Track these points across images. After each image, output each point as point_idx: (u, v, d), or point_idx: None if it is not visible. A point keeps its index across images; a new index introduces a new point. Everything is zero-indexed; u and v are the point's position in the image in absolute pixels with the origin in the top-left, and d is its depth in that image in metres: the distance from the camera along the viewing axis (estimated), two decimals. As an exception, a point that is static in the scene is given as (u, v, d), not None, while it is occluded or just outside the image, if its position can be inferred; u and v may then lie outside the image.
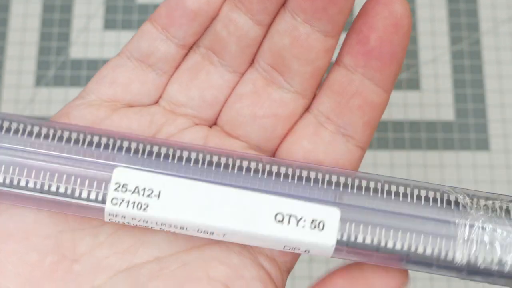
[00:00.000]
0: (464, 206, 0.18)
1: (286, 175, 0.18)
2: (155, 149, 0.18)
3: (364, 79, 0.20)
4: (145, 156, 0.18)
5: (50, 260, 0.19)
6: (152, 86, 0.21)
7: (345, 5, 0.19)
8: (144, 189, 0.18)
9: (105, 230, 0.19)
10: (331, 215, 0.18)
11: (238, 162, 0.19)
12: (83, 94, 0.22)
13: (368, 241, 0.18)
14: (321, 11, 0.19)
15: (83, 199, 0.18)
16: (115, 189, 0.18)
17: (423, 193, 0.18)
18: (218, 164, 0.18)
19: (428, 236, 0.18)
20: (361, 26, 0.19)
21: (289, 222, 0.18)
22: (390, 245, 0.18)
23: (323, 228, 0.18)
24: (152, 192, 0.18)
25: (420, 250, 0.18)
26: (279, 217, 0.18)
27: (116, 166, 0.18)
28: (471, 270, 0.18)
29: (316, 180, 0.18)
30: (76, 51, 0.59)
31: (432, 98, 0.57)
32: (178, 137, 0.21)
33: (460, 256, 0.18)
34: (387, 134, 0.56)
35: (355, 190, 0.18)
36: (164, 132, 0.21)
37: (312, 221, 0.18)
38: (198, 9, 0.20)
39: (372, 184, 0.19)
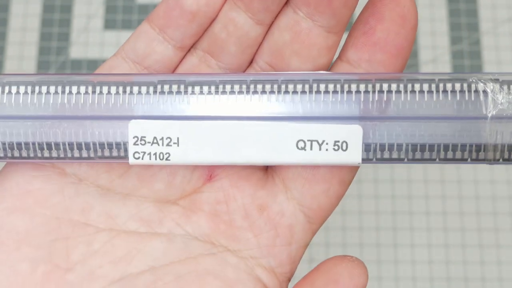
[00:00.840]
0: (492, 96, 0.17)
1: (303, 92, 0.18)
2: (166, 88, 0.18)
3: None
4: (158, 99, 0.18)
5: (42, 270, 0.18)
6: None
7: None
8: (162, 139, 0.18)
9: (100, 238, 0.19)
10: (353, 133, 0.17)
11: (252, 87, 0.18)
12: None
13: (395, 155, 0.18)
14: (326, 3, 0.18)
15: (106, 157, 0.19)
16: (134, 143, 0.18)
17: (449, 87, 0.17)
18: (232, 92, 0.18)
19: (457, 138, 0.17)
20: (368, 17, 0.19)
21: (311, 148, 0.18)
22: (418, 155, 0.17)
23: (346, 148, 0.17)
24: (171, 140, 0.18)
25: (450, 155, 0.18)
26: (301, 144, 0.18)
27: (131, 119, 0.18)
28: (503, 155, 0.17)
29: (335, 92, 0.18)
30: (76, 51, 0.59)
31: (432, 98, 0.57)
32: None
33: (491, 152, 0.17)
34: (387, 134, 0.56)
35: (376, 98, 0.18)
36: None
37: (335, 143, 0.17)
38: (197, 11, 0.19)
39: (394, 87, 0.18)
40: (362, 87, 0.18)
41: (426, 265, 0.53)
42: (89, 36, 0.59)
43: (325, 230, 0.55)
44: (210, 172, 0.20)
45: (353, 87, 0.18)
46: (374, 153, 0.18)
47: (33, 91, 0.18)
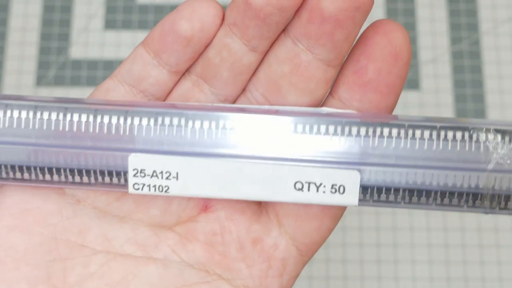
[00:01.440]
0: (494, 147, 0.17)
1: (303, 132, 0.18)
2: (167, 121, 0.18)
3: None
4: (158, 131, 0.18)
5: None
6: None
7: (352, 31, 0.18)
8: (162, 172, 0.18)
9: (97, 260, 0.19)
10: (351, 178, 0.17)
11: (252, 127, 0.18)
12: None
13: (391, 199, 0.18)
14: (327, 35, 0.18)
15: (106, 185, 0.19)
16: (134, 175, 0.18)
17: (450, 135, 0.17)
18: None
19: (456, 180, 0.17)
20: (359, 56, 0.18)
21: (309, 189, 0.18)
22: (414, 200, 0.18)
23: (343, 191, 0.17)
24: (170, 174, 0.18)
25: (446, 201, 0.18)
26: (299, 185, 0.18)
27: (131, 151, 0.18)
28: (500, 201, 0.17)
29: (336, 134, 0.17)
30: (76, 51, 0.59)
31: (432, 98, 0.57)
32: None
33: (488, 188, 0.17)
34: (387, 134, 0.56)
35: (376, 143, 0.17)
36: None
37: (332, 186, 0.17)
38: (192, 36, 0.19)
39: (394, 133, 0.17)
40: (363, 130, 0.18)
41: (426, 265, 0.53)
42: (89, 36, 0.59)
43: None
44: (206, 202, 0.20)
45: (354, 130, 0.18)
46: (371, 195, 0.18)
47: (34, 116, 0.18)
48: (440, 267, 0.53)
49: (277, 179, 0.18)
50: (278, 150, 0.18)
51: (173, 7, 0.60)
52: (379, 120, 0.18)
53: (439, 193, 0.17)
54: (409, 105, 0.57)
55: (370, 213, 0.54)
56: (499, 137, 0.17)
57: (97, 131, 0.18)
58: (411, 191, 0.18)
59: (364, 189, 0.18)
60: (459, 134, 0.17)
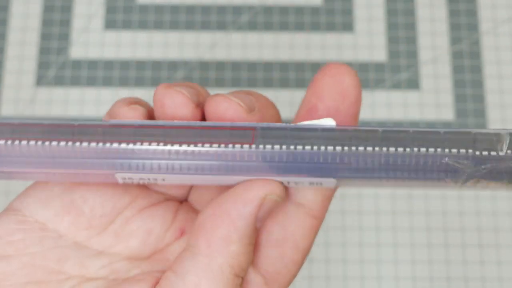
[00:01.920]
0: (463, 171, 0.18)
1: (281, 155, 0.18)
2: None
3: None
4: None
5: None
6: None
7: None
8: (149, 179, 0.19)
9: (70, 282, 0.19)
10: (328, 181, 0.19)
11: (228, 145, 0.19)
12: None
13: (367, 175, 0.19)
14: None
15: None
16: (123, 178, 0.19)
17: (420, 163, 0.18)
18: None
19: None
20: (311, 96, 0.20)
21: (288, 183, 0.19)
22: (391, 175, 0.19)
23: (321, 185, 0.19)
24: (157, 180, 0.19)
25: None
26: (284, 183, 0.19)
27: (116, 172, 0.19)
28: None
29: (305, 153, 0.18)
30: (76, 51, 0.59)
31: (432, 98, 0.57)
32: (150, 209, 0.21)
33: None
34: (387, 134, 0.56)
35: (352, 173, 0.18)
36: (138, 204, 0.21)
37: (310, 183, 0.19)
38: None
39: (369, 164, 0.18)
40: (338, 148, 0.18)
41: (426, 265, 0.53)
42: (89, 36, 0.59)
43: (325, 229, 0.55)
44: (182, 229, 0.21)
45: (330, 148, 0.18)
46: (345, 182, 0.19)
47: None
48: (440, 267, 0.53)
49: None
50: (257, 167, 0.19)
51: (173, 7, 0.60)
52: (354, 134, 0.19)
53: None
54: (409, 105, 0.57)
55: (370, 213, 0.54)
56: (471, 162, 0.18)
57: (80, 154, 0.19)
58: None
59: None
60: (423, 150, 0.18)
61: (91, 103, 0.57)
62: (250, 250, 0.19)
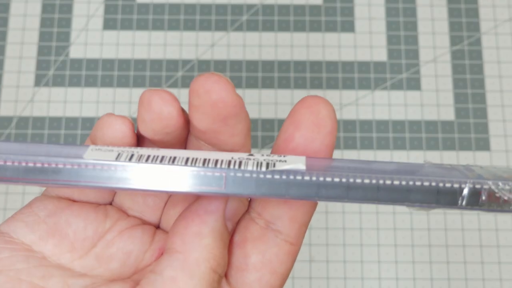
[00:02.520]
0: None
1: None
2: None
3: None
4: None
5: None
6: (105, 191, 0.22)
7: None
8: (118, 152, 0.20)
9: None
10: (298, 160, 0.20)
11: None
12: (45, 192, 0.23)
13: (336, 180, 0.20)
14: None
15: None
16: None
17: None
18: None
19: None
20: (288, 126, 0.20)
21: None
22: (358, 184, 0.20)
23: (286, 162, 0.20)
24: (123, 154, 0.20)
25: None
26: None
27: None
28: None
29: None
30: (76, 51, 0.58)
31: (432, 98, 0.57)
32: (129, 232, 0.22)
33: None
34: (388, 134, 0.56)
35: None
36: (118, 227, 0.22)
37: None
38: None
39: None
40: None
41: (427, 265, 0.53)
42: (88, 36, 0.59)
43: (325, 229, 0.55)
44: (161, 249, 0.22)
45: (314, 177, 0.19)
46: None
47: None
48: (440, 267, 0.53)
49: None
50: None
51: (172, 7, 0.60)
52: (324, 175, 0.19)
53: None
54: (409, 105, 0.57)
55: (370, 214, 0.54)
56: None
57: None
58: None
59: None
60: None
61: (90, 103, 0.57)
62: (223, 247, 0.19)
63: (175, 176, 0.18)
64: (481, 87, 0.57)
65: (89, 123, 0.56)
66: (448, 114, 0.57)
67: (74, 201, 0.22)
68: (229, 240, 0.21)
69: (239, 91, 0.57)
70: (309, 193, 0.19)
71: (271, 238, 0.21)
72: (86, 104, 0.57)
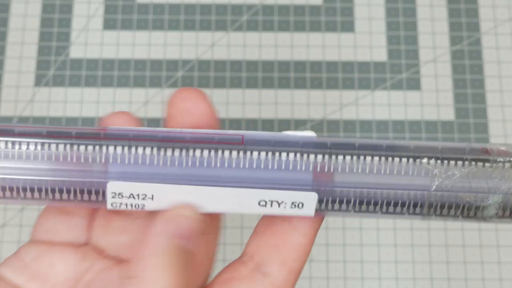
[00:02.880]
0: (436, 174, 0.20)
1: (266, 160, 0.20)
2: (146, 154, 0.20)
3: (283, 222, 0.21)
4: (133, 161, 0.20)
5: None
6: (80, 231, 0.23)
7: None
8: (138, 194, 0.20)
9: None
10: (309, 198, 0.20)
11: (220, 153, 0.20)
12: (32, 238, 0.24)
13: (344, 207, 0.20)
14: None
15: (85, 201, 0.20)
16: (112, 197, 0.20)
17: (396, 160, 0.20)
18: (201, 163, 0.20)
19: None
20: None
21: (271, 205, 0.20)
22: (364, 208, 0.20)
23: (302, 206, 0.20)
24: (146, 196, 0.20)
25: (391, 210, 0.20)
26: (263, 203, 0.20)
27: (108, 180, 0.20)
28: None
29: (288, 161, 0.20)
30: (76, 51, 0.58)
31: (432, 98, 0.57)
32: (106, 271, 0.22)
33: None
34: (388, 134, 0.56)
35: (332, 168, 0.20)
36: (96, 267, 0.22)
37: (292, 203, 0.20)
38: None
39: (348, 159, 0.20)
40: (319, 157, 0.20)
41: (427, 265, 0.53)
42: (89, 36, 0.59)
43: (325, 229, 0.55)
44: None
45: (312, 157, 0.20)
46: (326, 207, 0.20)
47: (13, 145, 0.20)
48: (440, 267, 0.53)
49: (243, 199, 0.20)
50: (243, 175, 0.20)
51: (172, 7, 0.60)
52: (332, 144, 0.20)
53: (385, 203, 0.20)
54: (409, 105, 0.57)
55: (370, 213, 0.54)
56: (440, 164, 0.20)
57: (74, 160, 0.20)
58: (361, 201, 0.20)
59: (320, 200, 0.20)
60: (404, 160, 0.20)
61: (90, 103, 0.57)
62: (180, 266, 0.19)
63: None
64: (481, 87, 0.57)
65: (89, 123, 0.56)
66: (448, 114, 0.57)
67: (55, 244, 0.23)
68: (217, 276, 0.21)
69: (239, 91, 0.57)
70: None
71: (258, 279, 0.21)
72: (86, 104, 0.57)
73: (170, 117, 0.21)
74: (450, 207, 0.20)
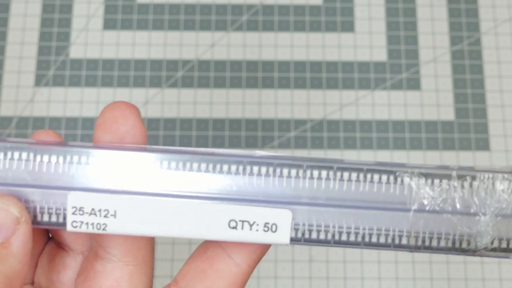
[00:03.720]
0: (417, 187, 0.18)
1: (237, 173, 0.19)
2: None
3: (218, 247, 0.20)
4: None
5: None
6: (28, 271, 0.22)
7: None
8: (100, 210, 0.18)
9: None
10: (283, 217, 0.19)
11: (188, 165, 0.19)
12: None
13: (322, 236, 0.19)
14: None
15: (45, 224, 0.19)
16: (73, 213, 0.19)
17: (376, 178, 0.19)
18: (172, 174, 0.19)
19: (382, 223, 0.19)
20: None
21: (242, 227, 0.19)
22: (344, 238, 0.19)
23: (276, 230, 0.18)
24: (108, 212, 0.19)
25: (374, 239, 0.19)
26: (233, 224, 0.19)
27: (70, 191, 0.19)
28: (423, 247, 0.19)
29: (267, 176, 0.18)
30: (76, 51, 0.58)
31: (432, 98, 0.57)
32: None
33: (412, 241, 0.19)
34: (388, 134, 0.56)
35: (306, 184, 0.19)
36: None
37: (265, 225, 0.19)
38: None
39: (324, 175, 0.19)
40: (293, 172, 0.19)
41: (427, 265, 0.53)
42: (89, 36, 0.59)
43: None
44: None
45: (285, 172, 0.19)
46: (302, 234, 0.19)
47: None
48: (440, 267, 0.53)
49: (213, 217, 0.18)
50: (214, 188, 0.19)
51: (172, 7, 0.60)
52: (308, 164, 0.19)
53: (367, 232, 0.19)
54: (409, 105, 0.57)
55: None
56: (423, 181, 0.18)
57: (36, 170, 0.19)
58: (340, 229, 0.19)
59: (296, 226, 0.19)
60: (384, 177, 0.19)
61: (90, 103, 0.57)
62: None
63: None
64: (481, 87, 0.57)
65: (89, 123, 0.56)
66: (448, 114, 0.57)
67: None
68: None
69: (239, 91, 0.57)
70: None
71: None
72: (86, 104, 0.57)
73: (97, 126, 0.20)
74: (439, 236, 0.18)
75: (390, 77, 0.57)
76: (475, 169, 0.19)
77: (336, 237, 0.19)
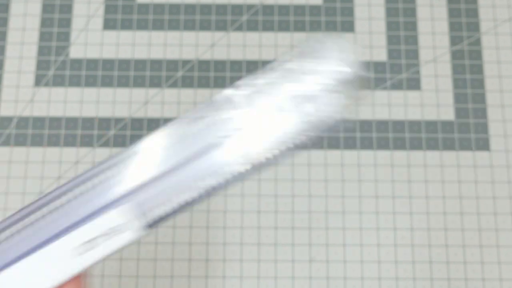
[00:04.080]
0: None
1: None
2: None
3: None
4: None
5: None
6: None
7: None
8: None
9: None
10: (126, 212, 0.18)
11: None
12: None
13: (164, 212, 0.18)
14: None
15: None
16: None
17: None
18: None
19: None
20: None
21: (93, 247, 0.17)
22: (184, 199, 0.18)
23: (124, 229, 0.18)
24: None
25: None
26: (79, 250, 0.17)
27: None
28: None
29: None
30: (76, 51, 0.58)
31: (432, 98, 0.57)
32: None
33: None
34: (388, 134, 0.56)
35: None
36: None
37: (110, 229, 0.18)
38: None
39: None
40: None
41: (427, 265, 0.53)
42: (88, 36, 0.59)
43: (325, 229, 0.55)
44: None
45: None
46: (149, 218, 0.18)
47: None
48: (440, 267, 0.53)
49: (55, 261, 0.17)
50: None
51: (172, 7, 0.60)
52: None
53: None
54: (409, 105, 0.57)
55: (371, 213, 0.54)
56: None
57: None
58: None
59: (139, 215, 0.18)
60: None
61: (90, 103, 0.57)
62: None
63: None
64: (481, 87, 0.57)
65: (89, 123, 0.56)
66: (448, 114, 0.57)
67: None
68: None
69: (239, 91, 0.57)
70: None
71: None
72: (86, 104, 0.57)
73: None
74: None
75: (390, 77, 0.57)
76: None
77: (178, 207, 0.18)
